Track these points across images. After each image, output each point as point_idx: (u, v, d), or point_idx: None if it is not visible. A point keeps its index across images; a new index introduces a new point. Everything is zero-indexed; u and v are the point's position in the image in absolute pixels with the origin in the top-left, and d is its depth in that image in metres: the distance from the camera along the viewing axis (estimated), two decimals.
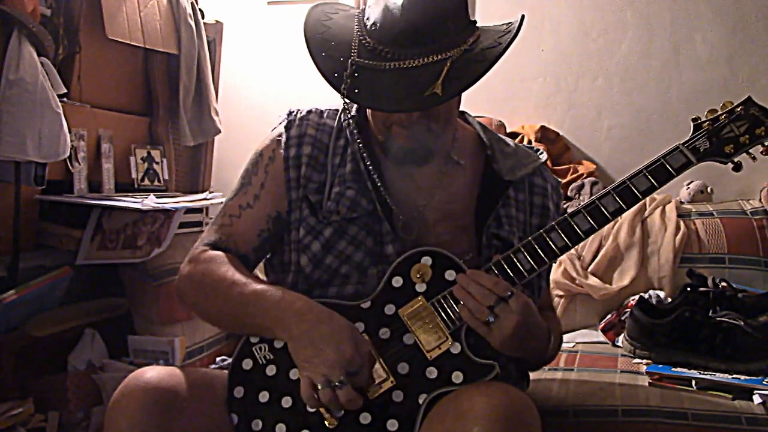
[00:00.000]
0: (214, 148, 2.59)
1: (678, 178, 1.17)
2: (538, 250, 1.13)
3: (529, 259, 1.13)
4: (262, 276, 1.29)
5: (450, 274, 1.14)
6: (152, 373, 1.07)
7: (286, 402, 1.10)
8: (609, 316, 1.98)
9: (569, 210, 1.18)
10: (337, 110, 1.27)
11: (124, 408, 1.03)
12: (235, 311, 1.15)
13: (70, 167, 1.95)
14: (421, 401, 1.08)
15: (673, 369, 1.54)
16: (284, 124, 1.26)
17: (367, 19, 1.12)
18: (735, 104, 1.19)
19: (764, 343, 1.53)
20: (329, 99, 1.29)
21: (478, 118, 1.37)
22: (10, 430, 1.63)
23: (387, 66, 1.07)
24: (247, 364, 1.15)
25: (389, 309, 1.14)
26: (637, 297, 1.87)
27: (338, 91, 1.08)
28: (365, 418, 1.07)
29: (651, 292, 1.96)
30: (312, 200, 1.20)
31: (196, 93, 2.37)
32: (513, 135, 2.46)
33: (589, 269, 2.07)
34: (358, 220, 1.19)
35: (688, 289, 1.72)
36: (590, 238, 2.10)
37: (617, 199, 1.15)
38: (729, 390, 1.42)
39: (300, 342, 1.07)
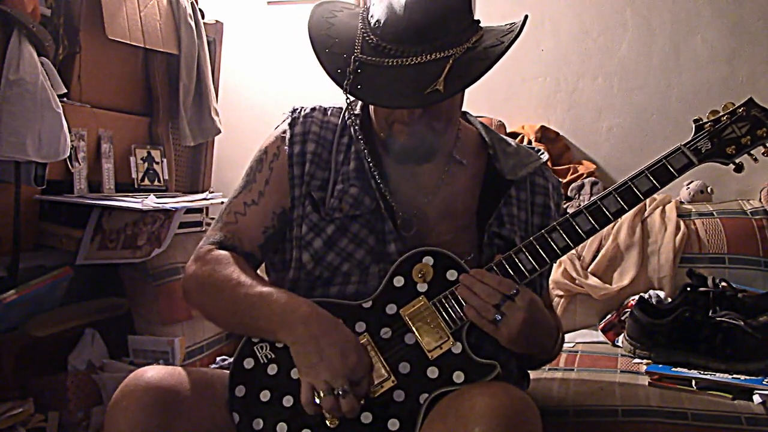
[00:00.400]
0: (214, 148, 2.59)
1: (678, 178, 1.17)
2: (540, 250, 1.14)
3: (531, 259, 1.14)
4: (263, 274, 1.29)
5: (451, 274, 1.14)
6: (153, 372, 1.07)
7: (288, 401, 1.10)
8: (609, 316, 1.98)
9: (569, 210, 1.18)
10: (341, 108, 1.28)
11: (124, 408, 1.03)
12: (240, 313, 1.14)
13: (70, 167, 1.95)
14: (422, 401, 1.08)
15: (673, 369, 1.54)
16: (288, 121, 1.27)
17: (371, 16, 1.12)
18: (736, 105, 1.19)
19: (764, 343, 1.53)
20: (330, 99, 1.29)
21: (478, 118, 1.38)
22: (10, 430, 1.63)
23: (389, 63, 1.07)
24: (249, 363, 1.15)
25: (390, 309, 1.14)
26: (637, 297, 1.87)
27: (341, 86, 1.08)
28: (366, 417, 1.07)
29: (651, 292, 1.96)
30: (315, 197, 1.21)
31: (196, 93, 2.37)
32: (513, 135, 2.46)
33: (589, 269, 2.07)
34: (360, 217, 1.19)
35: (688, 289, 1.72)
36: (590, 238, 2.11)
37: (619, 199, 1.15)
38: (729, 390, 1.42)
39: (305, 347, 1.06)
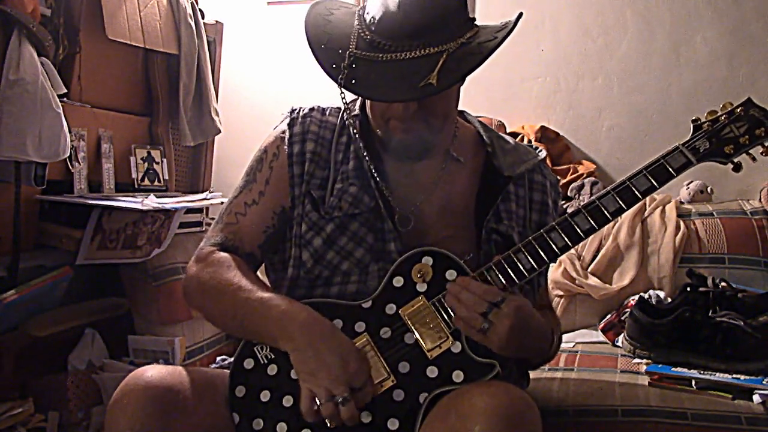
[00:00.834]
0: (214, 148, 2.59)
1: (678, 178, 1.17)
2: (539, 249, 1.14)
3: (530, 258, 1.14)
4: (262, 275, 1.29)
5: (451, 274, 1.15)
6: (153, 372, 1.07)
7: (287, 401, 1.11)
8: (609, 316, 1.98)
9: (569, 210, 1.18)
10: (340, 108, 1.28)
11: (124, 407, 1.03)
12: (241, 318, 1.15)
13: (70, 167, 1.96)
14: (421, 400, 1.08)
15: (673, 369, 1.54)
16: (287, 121, 1.27)
17: (367, 14, 1.13)
18: (735, 105, 1.19)
19: (764, 343, 1.53)
20: (330, 99, 1.29)
21: (478, 118, 1.38)
22: (10, 430, 1.63)
23: (384, 57, 1.08)
24: (249, 363, 1.15)
25: (390, 309, 1.14)
26: (637, 297, 1.87)
27: (335, 81, 1.09)
28: (366, 416, 1.07)
29: (651, 292, 1.96)
30: (315, 196, 1.21)
31: (196, 93, 2.37)
32: (513, 135, 2.46)
33: (589, 269, 2.07)
34: (359, 216, 1.19)
35: (688, 289, 1.71)
36: (590, 238, 2.11)
37: (617, 199, 1.15)
38: (729, 390, 1.42)
39: (305, 354, 1.07)
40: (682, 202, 2.23)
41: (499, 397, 0.98)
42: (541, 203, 1.31)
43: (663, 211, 2.12)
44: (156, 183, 2.28)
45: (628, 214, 2.10)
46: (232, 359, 1.19)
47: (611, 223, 2.10)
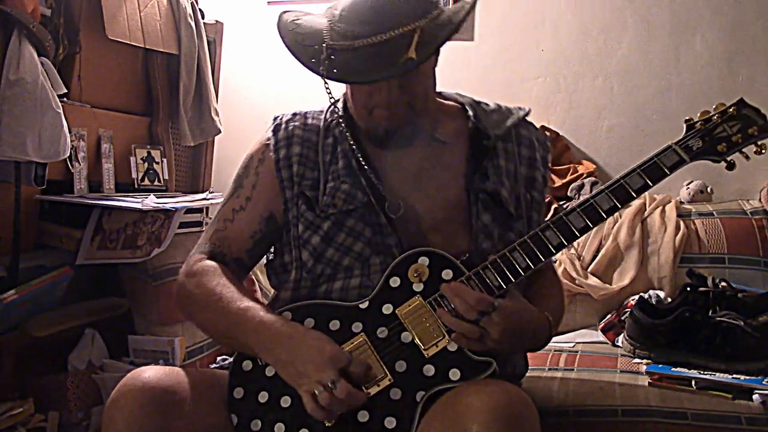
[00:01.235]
0: (214, 148, 2.59)
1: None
2: (534, 248, 1.15)
3: (525, 257, 1.15)
4: (262, 276, 1.30)
5: (447, 274, 1.15)
6: (150, 372, 1.07)
7: (285, 402, 1.11)
8: (609, 316, 1.98)
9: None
10: (322, 110, 1.31)
11: (121, 407, 1.04)
12: (223, 328, 1.18)
13: (70, 167, 1.96)
14: (418, 399, 1.08)
15: (673, 369, 1.54)
16: (272, 128, 1.30)
17: (335, 9, 1.16)
18: (728, 105, 1.21)
19: (764, 343, 1.53)
20: (329, 99, 1.29)
21: (455, 92, 1.40)
22: (10, 430, 1.63)
23: (360, 43, 1.10)
24: (247, 365, 1.15)
25: (387, 309, 1.15)
26: (637, 297, 1.87)
27: (317, 73, 1.12)
28: (363, 416, 1.08)
29: (651, 292, 1.96)
30: (309, 195, 1.23)
31: (196, 93, 2.37)
32: None
33: (589, 269, 2.07)
34: (354, 212, 1.21)
35: (688, 289, 1.72)
36: (590, 238, 2.11)
37: (611, 197, 1.17)
38: (729, 390, 1.42)
39: (285, 362, 1.08)
40: (682, 202, 2.23)
41: (497, 396, 0.99)
42: (530, 158, 1.32)
43: (663, 211, 2.12)
44: (156, 183, 2.28)
45: (628, 214, 2.10)
46: (231, 359, 1.19)
47: (611, 223, 2.11)
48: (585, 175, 2.37)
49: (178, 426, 1.04)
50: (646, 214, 2.13)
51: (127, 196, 2.02)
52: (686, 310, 1.62)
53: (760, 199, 2.17)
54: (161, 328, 1.96)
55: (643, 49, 2.48)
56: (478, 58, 2.56)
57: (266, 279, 1.38)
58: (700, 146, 1.19)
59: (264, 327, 1.11)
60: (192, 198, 2.15)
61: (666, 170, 1.17)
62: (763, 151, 1.19)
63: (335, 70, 1.10)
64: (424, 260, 1.16)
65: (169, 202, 1.96)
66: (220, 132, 2.47)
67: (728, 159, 1.20)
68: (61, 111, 1.77)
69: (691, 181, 2.27)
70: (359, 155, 1.23)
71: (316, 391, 1.03)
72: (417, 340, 1.12)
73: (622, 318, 1.89)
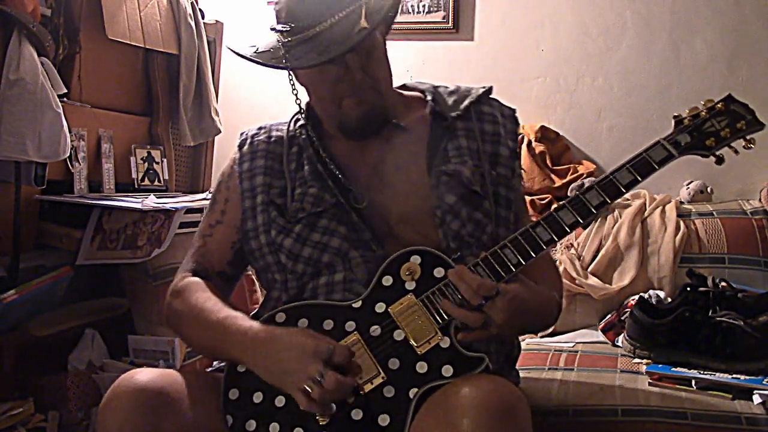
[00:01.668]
0: (214, 148, 2.59)
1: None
2: (524, 244, 1.15)
3: (516, 253, 1.15)
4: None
5: (439, 272, 1.16)
6: (143, 374, 1.08)
7: (279, 401, 1.11)
8: (609, 316, 1.98)
9: None
10: (286, 122, 1.36)
11: (113, 408, 1.04)
12: (206, 341, 1.19)
13: (70, 167, 1.96)
14: (411, 395, 1.08)
15: (672, 369, 1.54)
16: (238, 143, 1.36)
17: (278, 13, 1.21)
18: (716, 101, 1.22)
19: (764, 343, 1.53)
20: (296, 101, 1.34)
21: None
22: (10, 430, 1.63)
23: (312, 32, 1.15)
24: (242, 367, 1.16)
25: (379, 307, 1.16)
26: (637, 297, 1.87)
27: (282, 68, 1.17)
28: (357, 413, 1.08)
29: (651, 292, 1.96)
30: (278, 203, 1.26)
31: (196, 93, 2.37)
32: None
33: (589, 269, 2.07)
34: (325, 213, 1.23)
35: (688, 289, 1.71)
36: (590, 238, 2.11)
37: (601, 193, 1.17)
38: (729, 390, 1.42)
39: (268, 367, 1.09)
40: (682, 202, 2.23)
41: (489, 390, 0.99)
42: (493, 134, 1.32)
43: (663, 211, 2.12)
44: (156, 183, 2.28)
45: (628, 214, 2.10)
46: None
47: (611, 223, 2.11)
48: (585, 175, 2.37)
49: (171, 427, 1.04)
50: (646, 214, 2.13)
51: (127, 196, 2.02)
52: (686, 310, 1.62)
53: (760, 199, 2.17)
54: (161, 328, 1.95)
55: (643, 49, 2.48)
56: (478, 58, 2.56)
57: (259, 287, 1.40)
58: (689, 141, 1.20)
59: (242, 335, 1.13)
60: (192, 198, 2.15)
61: (654, 165, 1.18)
62: (752, 146, 1.21)
63: (297, 60, 1.15)
64: (416, 259, 1.17)
65: (169, 202, 1.96)
66: (220, 132, 2.47)
67: (717, 153, 1.21)
68: (61, 111, 1.77)
69: (691, 182, 2.27)
70: (325, 156, 1.27)
71: (307, 387, 1.03)
72: (410, 338, 1.12)
73: (622, 318, 1.89)
